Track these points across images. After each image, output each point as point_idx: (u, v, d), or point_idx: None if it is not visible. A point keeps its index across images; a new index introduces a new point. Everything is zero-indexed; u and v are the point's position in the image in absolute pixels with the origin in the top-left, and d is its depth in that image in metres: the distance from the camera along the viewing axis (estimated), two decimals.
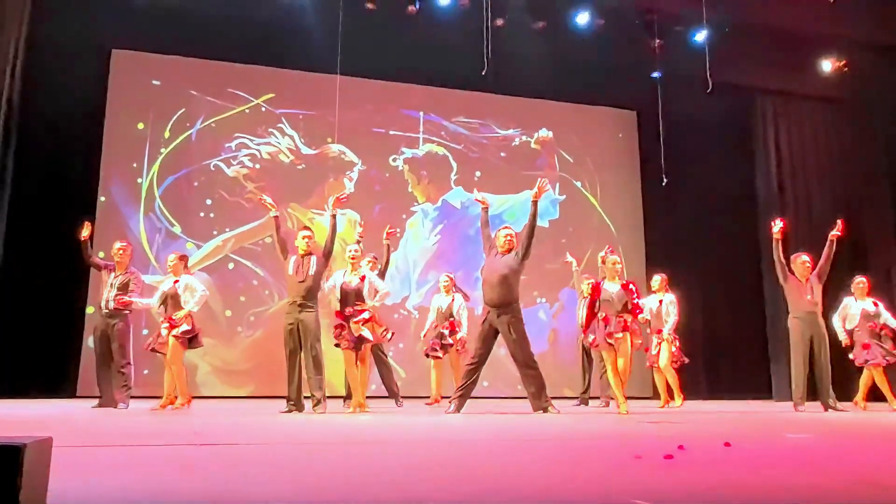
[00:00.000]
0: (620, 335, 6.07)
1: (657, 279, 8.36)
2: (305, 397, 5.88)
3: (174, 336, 6.37)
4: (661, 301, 8.09)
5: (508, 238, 6.25)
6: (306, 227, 6.53)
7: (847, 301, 7.53)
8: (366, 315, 6.02)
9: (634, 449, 3.00)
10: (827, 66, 10.43)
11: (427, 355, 7.86)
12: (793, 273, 7.27)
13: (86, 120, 9.56)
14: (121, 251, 6.71)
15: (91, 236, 6.78)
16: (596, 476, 2.32)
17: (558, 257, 11.19)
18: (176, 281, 6.58)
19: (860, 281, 7.64)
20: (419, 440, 3.71)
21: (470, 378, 6.04)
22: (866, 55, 10.16)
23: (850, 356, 7.48)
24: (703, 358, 11.28)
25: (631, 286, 6.22)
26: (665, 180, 10.25)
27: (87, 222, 6.64)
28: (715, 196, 11.36)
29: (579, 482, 2.19)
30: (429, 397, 7.92)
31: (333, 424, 4.66)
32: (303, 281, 5.89)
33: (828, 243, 7.24)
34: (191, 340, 6.54)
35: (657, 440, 3.54)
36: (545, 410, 5.86)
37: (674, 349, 8.03)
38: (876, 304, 7.42)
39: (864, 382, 7.49)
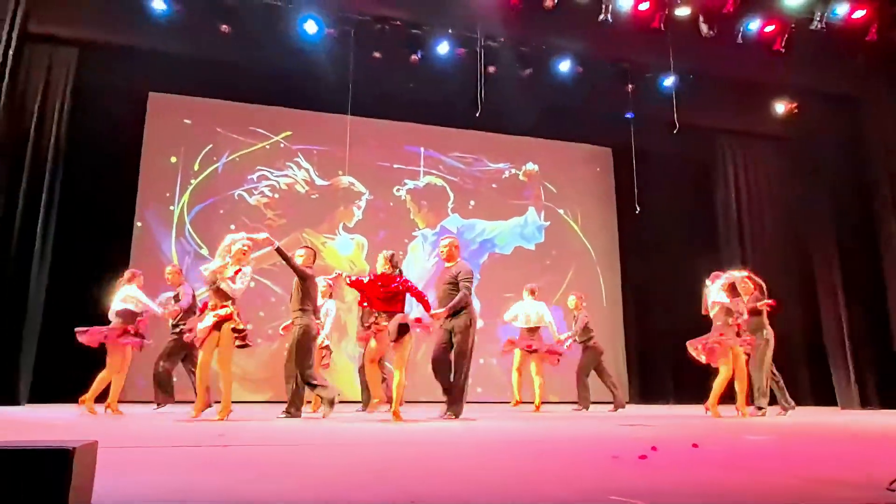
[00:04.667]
0: None
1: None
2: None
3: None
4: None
5: (447, 247, 6.03)
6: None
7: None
8: (222, 311, 5.33)
9: (611, 450, 2.99)
10: (780, 108, 10.54)
11: None
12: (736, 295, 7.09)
13: (125, 155, 9.59)
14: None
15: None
16: (576, 475, 2.32)
17: (544, 277, 11.22)
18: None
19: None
20: (405, 443, 3.69)
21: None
22: (814, 101, 10.28)
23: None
24: (668, 367, 11.28)
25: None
26: (638, 209, 10.30)
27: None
28: (681, 224, 11.44)
29: (560, 481, 2.18)
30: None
31: (351, 428, 4.63)
32: None
33: (756, 305, 7.03)
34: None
35: (632, 441, 3.53)
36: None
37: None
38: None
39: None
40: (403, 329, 5.40)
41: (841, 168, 10.28)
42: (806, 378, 10.42)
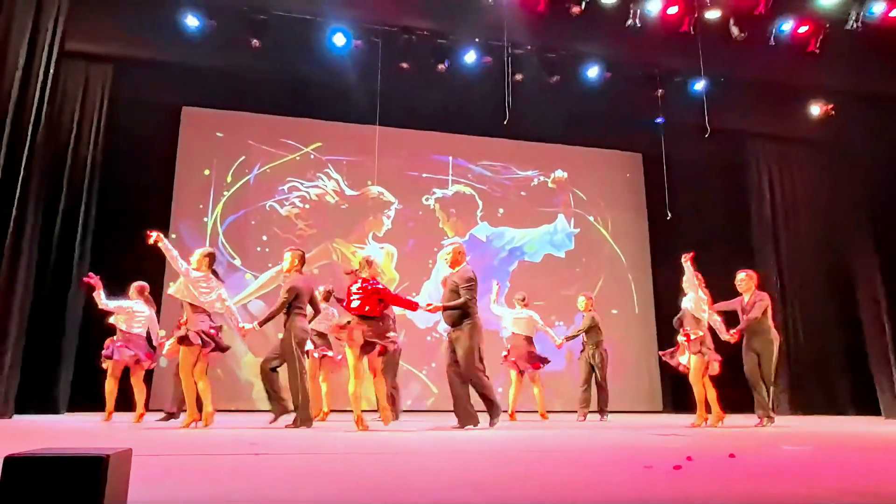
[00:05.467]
0: None
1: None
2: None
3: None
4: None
5: (451, 253, 5.83)
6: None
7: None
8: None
9: (644, 459, 2.94)
10: (815, 110, 10.31)
11: None
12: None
13: (159, 168, 9.83)
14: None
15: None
16: (608, 485, 2.28)
17: (573, 285, 11.13)
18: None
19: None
20: (433, 452, 3.67)
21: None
22: (850, 102, 10.05)
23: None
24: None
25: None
26: (669, 215, 10.17)
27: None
28: (714, 230, 11.25)
29: (592, 490, 2.15)
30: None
31: (382, 437, 4.64)
32: None
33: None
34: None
35: (666, 451, 3.47)
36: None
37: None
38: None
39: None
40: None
41: (880, 171, 10.00)
42: (847, 387, 10.16)
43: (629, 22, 8.39)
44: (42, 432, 4.74)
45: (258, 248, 10.17)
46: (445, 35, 8.96)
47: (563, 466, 2.89)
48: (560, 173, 11.82)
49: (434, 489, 2.17)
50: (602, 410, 8.08)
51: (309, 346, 6.40)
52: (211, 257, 5.74)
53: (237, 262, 9.99)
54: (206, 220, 10.07)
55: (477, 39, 9.03)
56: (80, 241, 8.28)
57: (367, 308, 5.27)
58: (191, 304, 5.50)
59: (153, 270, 8.90)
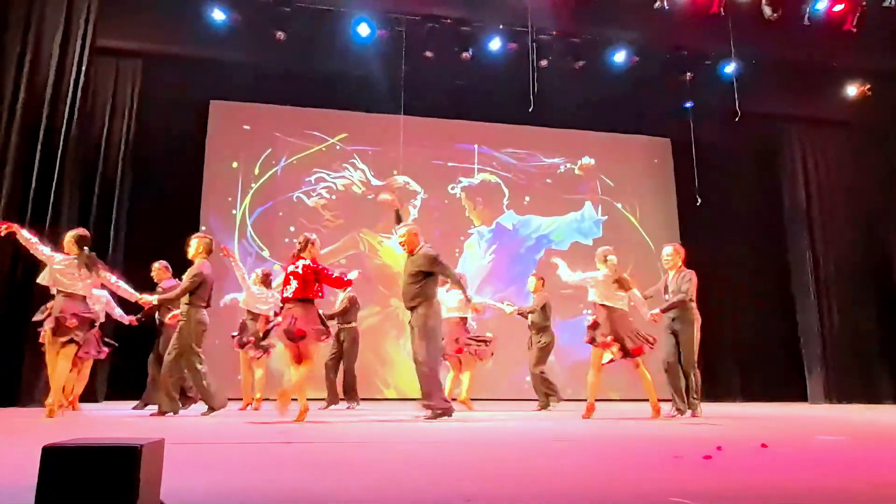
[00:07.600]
0: None
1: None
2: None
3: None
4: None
5: (405, 236, 5.49)
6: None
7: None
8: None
9: (673, 449, 2.91)
10: (851, 91, 10.03)
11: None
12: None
13: (188, 161, 9.97)
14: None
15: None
16: (637, 475, 2.27)
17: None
18: None
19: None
20: (459, 442, 3.68)
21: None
22: (889, 82, 9.74)
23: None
24: (735, 364, 10.94)
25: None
26: (699, 201, 10.01)
27: None
28: (745, 215, 11.06)
29: (621, 481, 2.14)
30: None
31: (408, 427, 4.67)
32: None
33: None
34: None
35: (695, 441, 3.43)
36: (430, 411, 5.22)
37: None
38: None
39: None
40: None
41: None
42: (885, 374, 9.96)
43: (657, 4, 8.24)
44: (75, 422, 4.87)
45: (286, 240, 10.25)
46: (469, 22, 8.92)
47: (592, 456, 2.88)
48: (587, 160, 11.70)
49: (467, 480, 2.18)
50: (547, 396, 7.43)
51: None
52: (81, 239, 5.39)
53: (265, 253, 10.10)
54: (234, 212, 10.20)
55: (501, 26, 8.96)
56: (113, 234, 8.46)
57: (304, 292, 4.98)
58: (61, 291, 5.21)
59: (183, 260, 9.06)
